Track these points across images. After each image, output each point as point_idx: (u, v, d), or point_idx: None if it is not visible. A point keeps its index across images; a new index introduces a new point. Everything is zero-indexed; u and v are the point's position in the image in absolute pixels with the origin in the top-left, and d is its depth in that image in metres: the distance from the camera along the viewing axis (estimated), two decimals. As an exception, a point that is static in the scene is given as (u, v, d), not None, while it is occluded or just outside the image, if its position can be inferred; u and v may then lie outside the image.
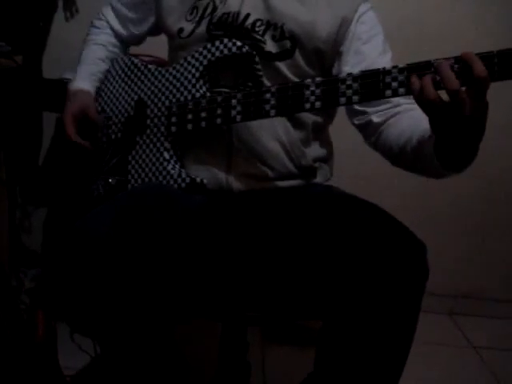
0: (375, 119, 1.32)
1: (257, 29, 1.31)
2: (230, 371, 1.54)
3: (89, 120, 1.46)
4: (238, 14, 1.32)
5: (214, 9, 1.34)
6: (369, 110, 1.32)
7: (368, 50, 1.33)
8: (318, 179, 1.40)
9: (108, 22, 1.59)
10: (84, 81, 1.50)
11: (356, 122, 1.37)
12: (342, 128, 1.44)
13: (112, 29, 1.58)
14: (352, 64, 1.33)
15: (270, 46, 1.31)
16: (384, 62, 1.30)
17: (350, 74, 1.11)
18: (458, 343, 2.36)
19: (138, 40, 1.61)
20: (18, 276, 1.96)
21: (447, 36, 2.34)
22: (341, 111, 1.41)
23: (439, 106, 0.98)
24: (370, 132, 1.35)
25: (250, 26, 1.31)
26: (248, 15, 1.32)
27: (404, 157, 1.24)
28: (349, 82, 1.10)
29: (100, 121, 1.46)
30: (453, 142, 1.04)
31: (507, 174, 2.48)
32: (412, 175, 1.26)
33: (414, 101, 1.05)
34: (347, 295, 1.02)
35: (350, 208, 1.17)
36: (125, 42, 1.61)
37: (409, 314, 1.03)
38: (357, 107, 1.34)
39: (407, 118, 1.26)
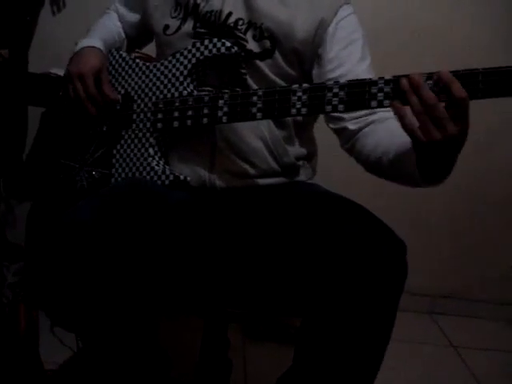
0: (350, 126, 1.31)
1: (239, 27, 1.32)
2: (211, 368, 1.55)
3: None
4: (221, 12, 1.33)
5: (196, 5, 1.35)
6: (345, 116, 1.31)
7: (346, 55, 1.32)
8: (301, 177, 1.41)
9: (116, 13, 1.59)
10: (96, 40, 1.46)
11: (331, 126, 1.36)
12: (327, 127, 1.45)
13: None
14: (330, 68, 1.32)
15: (251, 46, 1.32)
16: (362, 68, 1.32)
17: (336, 82, 1.11)
18: (438, 342, 2.38)
19: (133, 37, 1.60)
20: (1, 270, 1.95)
21: (441, 36, 2.36)
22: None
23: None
24: (345, 138, 1.34)
25: (232, 24, 1.32)
26: (230, 14, 1.32)
27: (380, 167, 1.24)
28: (335, 90, 1.11)
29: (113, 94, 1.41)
30: (434, 158, 1.04)
31: (490, 177, 2.51)
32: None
33: (389, 109, 1.08)
34: (326, 292, 1.03)
35: (331, 206, 1.18)
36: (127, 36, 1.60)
37: (387, 312, 1.04)
38: (332, 113, 1.33)
39: (383, 130, 1.26)
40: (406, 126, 1.01)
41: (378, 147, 1.23)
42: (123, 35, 1.58)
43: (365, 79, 1.09)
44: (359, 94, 1.09)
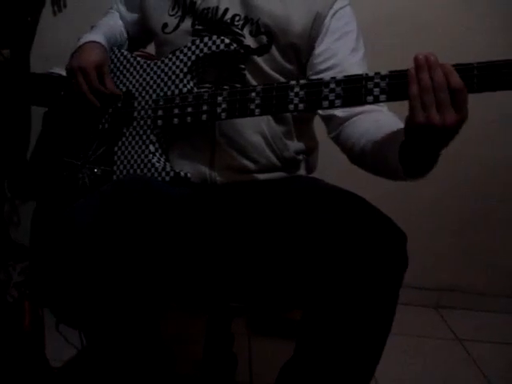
0: (339, 114, 1.31)
1: (236, 23, 1.33)
2: (216, 363, 1.55)
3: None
4: (217, 8, 1.34)
5: (192, 3, 1.36)
6: None
7: (339, 46, 1.33)
8: (302, 172, 1.42)
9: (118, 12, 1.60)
10: (98, 36, 1.46)
11: (320, 113, 1.37)
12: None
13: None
14: (322, 59, 1.33)
15: (248, 41, 1.32)
16: (354, 60, 1.32)
17: (333, 78, 1.12)
18: (444, 336, 2.38)
19: (135, 35, 1.61)
20: (7, 270, 1.96)
21: (441, 32, 2.35)
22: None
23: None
24: (332, 126, 1.34)
25: (229, 20, 1.33)
26: (226, 10, 1.33)
27: (364, 156, 1.24)
28: (332, 86, 1.11)
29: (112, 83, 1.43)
30: (420, 147, 1.04)
31: (491, 170, 2.50)
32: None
33: (379, 104, 1.09)
34: (327, 284, 1.04)
35: (331, 199, 1.18)
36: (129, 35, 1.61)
37: (387, 302, 1.05)
38: None
39: (371, 120, 1.26)
40: (413, 93, 1.00)
41: (364, 136, 1.23)
42: (125, 34, 1.58)
43: (361, 74, 1.09)
44: (356, 90, 1.09)
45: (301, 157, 1.41)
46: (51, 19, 2.27)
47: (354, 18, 1.38)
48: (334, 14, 1.34)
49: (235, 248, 1.30)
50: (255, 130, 1.33)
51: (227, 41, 1.29)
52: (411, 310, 2.36)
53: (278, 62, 1.34)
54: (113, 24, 1.56)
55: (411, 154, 1.06)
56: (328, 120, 1.35)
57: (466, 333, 2.40)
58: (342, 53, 1.32)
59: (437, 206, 2.54)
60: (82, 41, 1.45)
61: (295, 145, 1.40)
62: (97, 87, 1.39)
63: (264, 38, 1.32)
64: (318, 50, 1.33)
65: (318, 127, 1.49)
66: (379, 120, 1.23)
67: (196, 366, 1.55)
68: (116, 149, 1.39)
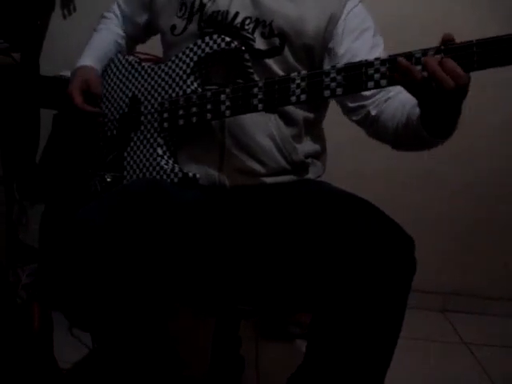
0: (373, 112, 1.32)
1: (246, 27, 1.32)
2: (224, 366, 1.56)
3: (91, 95, 1.46)
4: (227, 12, 1.34)
5: (202, 5, 1.36)
6: (365, 102, 1.32)
7: (358, 46, 1.34)
8: (310, 175, 1.42)
9: (116, 16, 1.61)
10: (87, 58, 1.50)
11: (355, 118, 1.37)
12: (336, 124, 1.45)
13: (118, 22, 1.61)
14: (345, 60, 1.31)
15: (260, 44, 1.32)
16: (375, 56, 1.32)
17: (333, 67, 1.13)
18: (450, 339, 2.38)
19: (138, 37, 1.63)
20: (15, 271, 1.97)
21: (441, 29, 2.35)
22: (333, 107, 1.43)
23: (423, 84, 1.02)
24: (369, 123, 1.35)
25: (239, 25, 1.33)
26: (237, 14, 1.33)
27: (399, 137, 1.26)
28: (333, 75, 1.13)
29: (100, 93, 1.47)
30: (438, 111, 1.07)
31: (496, 174, 2.50)
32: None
33: None
34: (336, 288, 1.04)
35: (340, 203, 1.19)
36: (129, 37, 1.62)
37: (396, 307, 1.05)
38: (351, 104, 1.35)
39: (396, 102, 1.28)
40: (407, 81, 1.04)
41: (394, 118, 1.26)
42: (120, 41, 1.59)
43: (361, 61, 1.11)
44: (356, 77, 1.11)
45: (309, 160, 1.41)
46: (61, 22, 2.29)
47: (368, 14, 1.39)
48: (349, 14, 1.35)
49: (244, 251, 1.30)
50: (265, 133, 1.33)
51: (228, 39, 1.29)
52: (418, 313, 2.35)
53: (290, 63, 1.34)
54: (102, 40, 1.57)
55: (432, 118, 1.09)
56: (363, 121, 1.36)
57: (473, 336, 2.39)
58: (361, 53, 1.32)
59: (443, 211, 2.54)
60: (75, 66, 1.49)
61: (304, 148, 1.40)
62: (82, 109, 1.44)
63: (277, 40, 1.32)
64: (340, 52, 1.34)
65: (326, 130, 1.50)
66: (402, 99, 1.25)
67: (203, 368, 1.55)
68: (125, 154, 1.40)
